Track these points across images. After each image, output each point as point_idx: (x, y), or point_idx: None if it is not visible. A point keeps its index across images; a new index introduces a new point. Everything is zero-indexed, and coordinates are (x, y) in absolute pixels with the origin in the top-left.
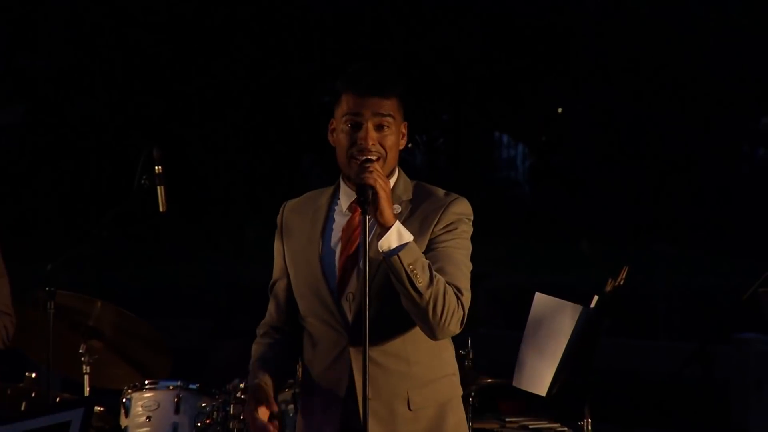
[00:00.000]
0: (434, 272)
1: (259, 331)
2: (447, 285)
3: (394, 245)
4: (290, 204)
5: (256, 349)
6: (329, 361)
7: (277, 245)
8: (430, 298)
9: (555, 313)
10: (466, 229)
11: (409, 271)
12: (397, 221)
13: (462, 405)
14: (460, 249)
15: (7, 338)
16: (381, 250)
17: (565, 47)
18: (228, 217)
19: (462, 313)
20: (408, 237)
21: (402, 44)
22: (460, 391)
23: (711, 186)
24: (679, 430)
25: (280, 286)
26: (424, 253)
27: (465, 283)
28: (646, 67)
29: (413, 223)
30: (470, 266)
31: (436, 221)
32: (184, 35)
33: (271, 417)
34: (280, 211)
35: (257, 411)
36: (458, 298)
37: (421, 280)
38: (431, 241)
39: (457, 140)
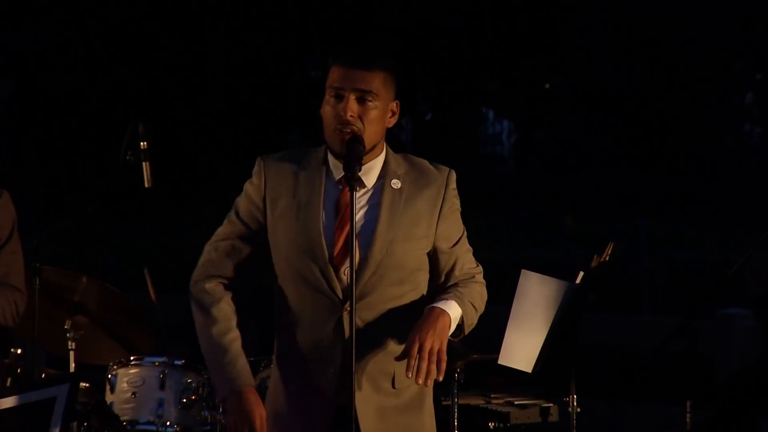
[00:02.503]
0: (470, 298)
1: (207, 283)
2: (475, 289)
3: (454, 328)
4: (271, 160)
5: (217, 314)
6: (320, 330)
7: (253, 192)
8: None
9: (541, 290)
10: (459, 203)
11: (467, 326)
12: (443, 311)
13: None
14: (463, 232)
15: (17, 315)
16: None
17: (552, 23)
18: (213, 191)
19: (487, 297)
20: (456, 312)
21: (390, 18)
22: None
23: (695, 161)
24: (663, 405)
25: (245, 239)
26: (431, 231)
27: (478, 266)
28: (632, 43)
29: (419, 203)
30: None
31: (441, 202)
32: (169, 8)
33: None
34: (260, 164)
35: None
36: (484, 286)
37: (474, 320)
38: (439, 223)
39: (443, 115)
